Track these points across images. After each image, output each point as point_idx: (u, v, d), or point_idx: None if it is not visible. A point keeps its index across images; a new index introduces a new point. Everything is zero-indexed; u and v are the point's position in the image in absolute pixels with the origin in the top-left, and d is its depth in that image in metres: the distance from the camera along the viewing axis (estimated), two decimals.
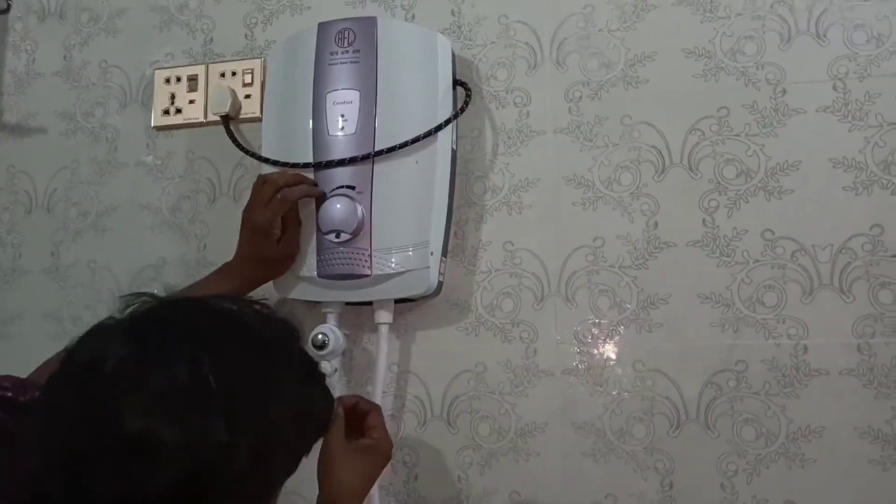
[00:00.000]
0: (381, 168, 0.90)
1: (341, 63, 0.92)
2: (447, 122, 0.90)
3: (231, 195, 1.05)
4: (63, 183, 1.12)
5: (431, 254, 0.89)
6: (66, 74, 1.15)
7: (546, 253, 0.94)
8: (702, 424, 0.87)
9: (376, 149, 0.89)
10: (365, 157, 0.89)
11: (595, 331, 0.91)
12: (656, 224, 0.91)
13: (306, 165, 0.91)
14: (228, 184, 1.06)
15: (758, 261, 0.88)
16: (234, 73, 1.07)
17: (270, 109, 0.97)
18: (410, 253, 0.88)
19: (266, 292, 0.96)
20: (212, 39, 1.10)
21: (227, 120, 1.04)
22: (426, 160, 0.89)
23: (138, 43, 1.13)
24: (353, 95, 0.91)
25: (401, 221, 0.89)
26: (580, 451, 0.90)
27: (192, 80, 1.09)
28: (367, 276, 0.89)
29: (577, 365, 0.91)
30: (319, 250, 0.90)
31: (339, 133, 0.91)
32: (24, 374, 0.67)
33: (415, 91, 0.91)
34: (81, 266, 1.10)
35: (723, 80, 0.92)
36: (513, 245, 0.95)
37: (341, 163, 0.89)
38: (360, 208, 0.88)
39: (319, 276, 0.90)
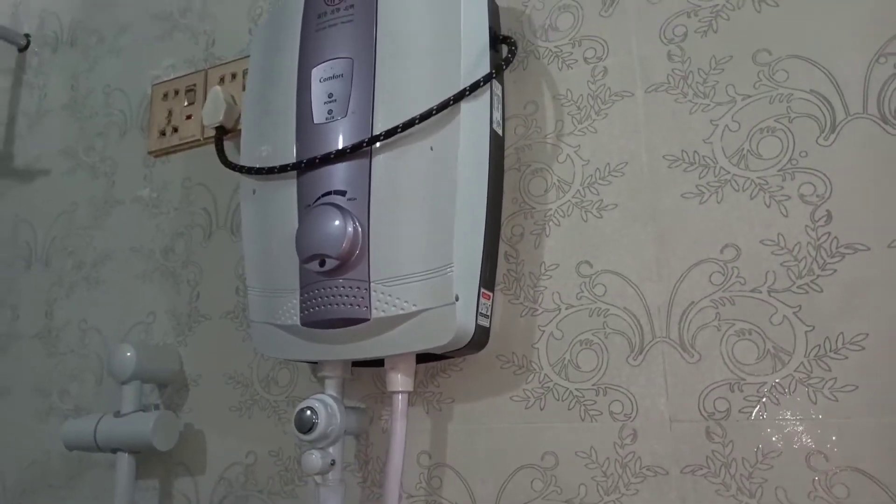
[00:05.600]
0: (383, 162, 0.61)
1: (331, 25, 0.66)
2: (474, 87, 0.60)
3: (227, 227, 0.82)
4: (61, 230, 0.95)
5: (457, 296, 0.57)
6: (72, 106, 1.00)
7: (644, 275, 0.60)
8: None
9: (373, 134, 0.61)
10: (356, 148, 0.61)
11: (735, 398, 0.55)
12: (829, 215, 0.54)
13: (282, 170, 0.65)
14: (226, 212, 0.82)
15: None
16: (234, 76, 0.85)
17: (250, 101, 0.72)
18: (424, 284, 0.58)
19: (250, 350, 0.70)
20: (213, 42, 0.90)
21: (222, 132, 0.81)
22: (445, 145, 0.60)
23: (140, 58, 0.95)
24: (345, 66, 0.64)
25: (410, 238, 0.59)
26: None
27: (191, 91, 0.88)
28: (365, 320, 0.60)
29: (707, 459, 0.55)
30: (302, 287, 0.63)
31: (326, 119, 0.64)
32: None
33: (431, 52, 0.62)
34: (72, 328, 0.90)
35: None
36: (591, 267, 0.62)
37: (325, 160, 0.62)
38: (351, 221, 0.60)
39: (303, 323, 0.62)
